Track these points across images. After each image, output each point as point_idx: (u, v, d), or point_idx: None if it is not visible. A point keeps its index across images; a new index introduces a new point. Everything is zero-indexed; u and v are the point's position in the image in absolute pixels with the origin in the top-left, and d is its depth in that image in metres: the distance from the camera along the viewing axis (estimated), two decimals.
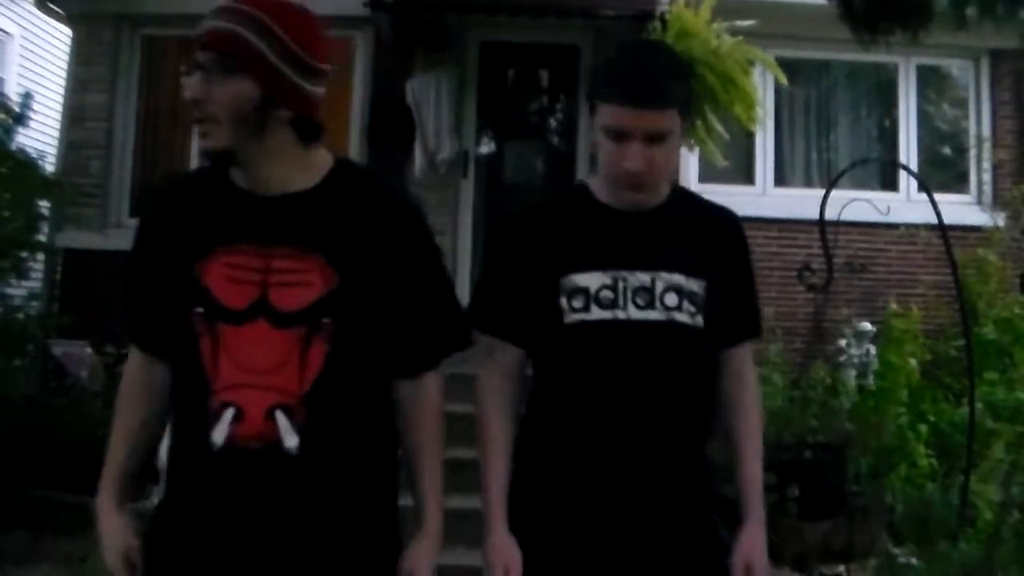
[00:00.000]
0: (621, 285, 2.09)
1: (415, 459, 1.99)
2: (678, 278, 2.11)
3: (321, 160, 1.93)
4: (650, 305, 2.09)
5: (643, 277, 2.10)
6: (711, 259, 2.17)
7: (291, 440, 1.79)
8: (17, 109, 7.21)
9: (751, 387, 2.28)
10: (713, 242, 2.21)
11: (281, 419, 1.79)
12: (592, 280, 2.10)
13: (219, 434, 1.79)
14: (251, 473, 1.80)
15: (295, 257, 1.83)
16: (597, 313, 2.08)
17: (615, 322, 2.08)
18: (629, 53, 2.19)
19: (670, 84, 2.08)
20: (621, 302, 2.08)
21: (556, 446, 2.13)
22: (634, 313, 2.08)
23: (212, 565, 1.83)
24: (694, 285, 2.12)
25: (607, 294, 2.09)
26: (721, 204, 2.33)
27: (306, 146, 1.91)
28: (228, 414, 1.79)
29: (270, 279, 1.82)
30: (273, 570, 1.82)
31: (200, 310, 1.82)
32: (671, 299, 2.10)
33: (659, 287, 2.09)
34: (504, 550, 2.06)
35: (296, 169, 1.89)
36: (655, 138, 2.05)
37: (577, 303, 2.09)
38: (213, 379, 1.81)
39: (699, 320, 2.12)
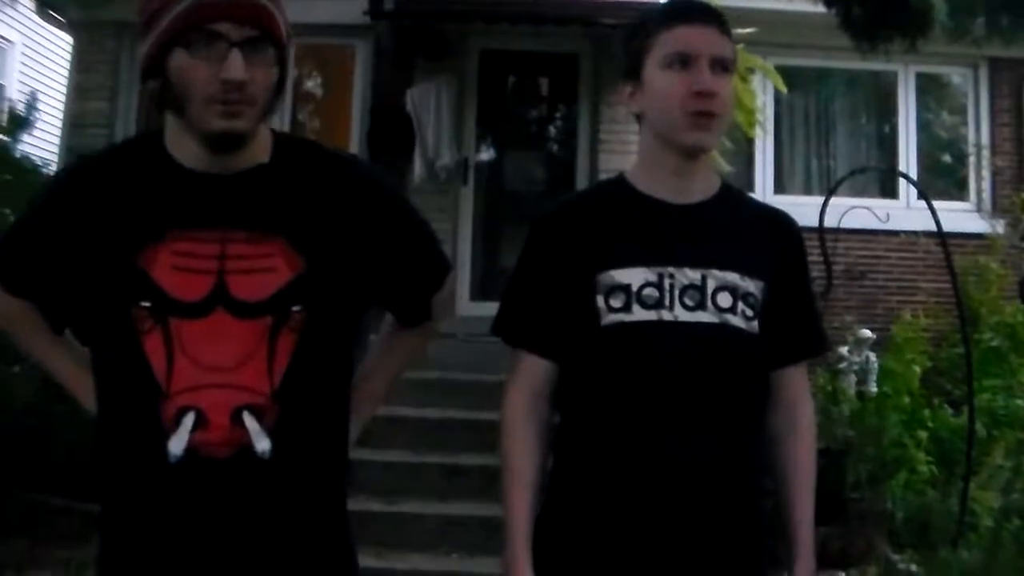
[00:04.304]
0: (667, 283, 1.82)
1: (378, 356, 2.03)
2: (732, 277, 1.85)
3: (262, 133, 1.76)
4: (700, 306, 1.82)
5: (692, 274, 1.83)
6: (769, 261, 1.91)
7: (262, 443, 1.63)
8: (23, 113, 7.19)
9: (806, 421, 2.00)
10: (771, 243, 1.95)
11: (250, 421, 1.62)
12: (634, 276, 1.83)
13: (177, 444, 1.60)
14: (218, 484, 1.63)
15: (254, 241, 1.67)
16: (639, 313, 1.82)
17: (660, 324, 1.81)
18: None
19: (723, 14, 1.92)
20: (667, 301, 1.82)
21: (590, 473, 1.87)
22: (682, 314, 1.82)
23: None
24: (751, 286, 1.86)
25: (651, 292, 1.82)
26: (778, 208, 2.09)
27: None
28: (188, 420, 1.60)
29: (227, 266, 1.65)
30: None
31: (146, 304, 1.62)
32: (724, 300, 1.83)
33: (711, 286, 1.83)
34: None
35: (256, 146, 1.75)
36: (721, 65, 1.85)
37: (616, 302, 1.83)
38: (166, 382, 1.62)
39: (755, 326, 1.86)
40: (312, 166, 1.79)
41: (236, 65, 1.59)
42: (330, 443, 1.79)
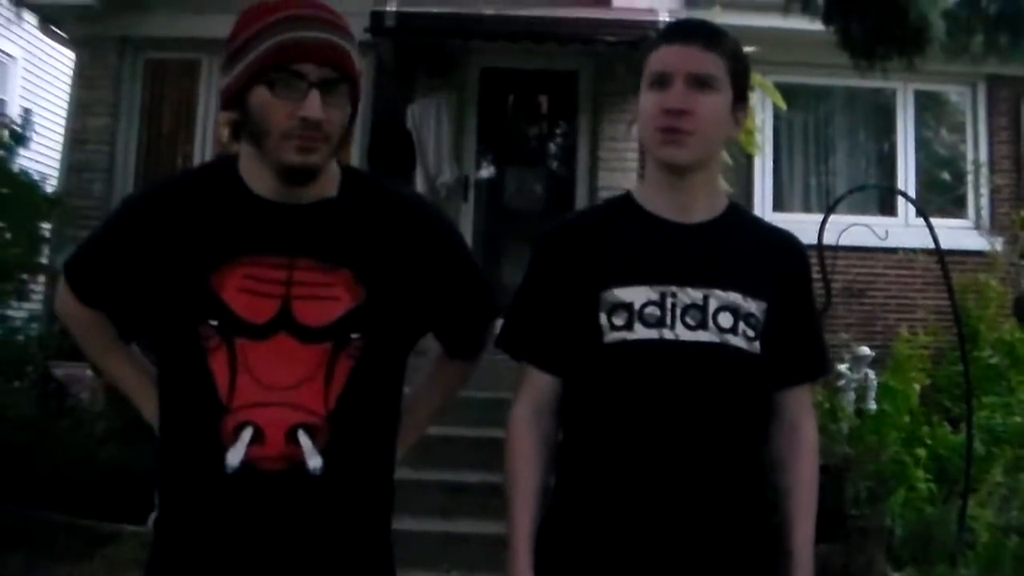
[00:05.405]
0: (669, 302, 1.85)
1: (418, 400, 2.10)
2: (734, 297, 1.87)
3: (332, 167, 1.85)
4: (702, 325, 1.84)
5: (695, 294, 1.86)
6: (772, 282, 1.93)
7: (314, 461, 1.70)
8: (19, 129, 7.22)
9: (808, 443, 1.99)
10: (775, 264, 1.97)
11: (304, 439, 1.70)
12: (636, 295, 1.86)
13: (235, 456, 1.68)
14: (271, 496, 1.70)
15: (320, 270, 1.75)
16: (641, 332, 1.84)
17: (661, 343, 1.84)
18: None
19: (719, 32, 1.94)
20: (669, 320, 1.84)
21: (591, 489, 1.89)
22: (683, 333, 1.84)
23: None
24: (752, 306, 1.88)
25: (653, 311, 1.85)
26: (783, 228, 2.10)
27: None
28: (246, 434, 1.68)
29: (293, 292, 1.73)
30: None
31: (214, 323, 1.72)
32: (725, 320, 1.85)
33: (712, 306, 1.85)
34: None
35: (325, 179, 1.83)
36: (700, 82, 1.86)
37: (618, 320, 1.85)
38: (228, 398, 1.70)
39: (756, 346, 1.87)
40: (377, 202, 1.88)
41: (314, 105, 1.68)
42: (378, 464, 1.86)
